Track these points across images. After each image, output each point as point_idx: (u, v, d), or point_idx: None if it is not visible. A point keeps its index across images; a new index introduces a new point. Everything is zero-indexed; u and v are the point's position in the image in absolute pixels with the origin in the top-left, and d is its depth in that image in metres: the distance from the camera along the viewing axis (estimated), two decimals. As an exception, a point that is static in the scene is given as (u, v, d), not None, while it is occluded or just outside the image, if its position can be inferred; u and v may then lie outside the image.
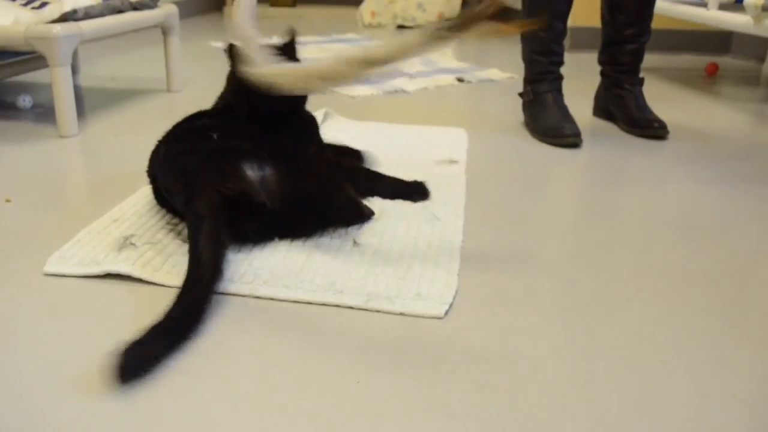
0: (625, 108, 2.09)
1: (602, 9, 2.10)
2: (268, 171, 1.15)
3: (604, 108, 2.20)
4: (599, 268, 1.18)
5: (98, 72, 2.79)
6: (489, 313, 1.02)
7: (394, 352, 0.92)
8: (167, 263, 1.12)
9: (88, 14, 1.91)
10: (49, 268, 1.11)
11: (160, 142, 1.31)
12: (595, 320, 1.01)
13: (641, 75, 2.12)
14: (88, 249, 1.17)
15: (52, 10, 1.83)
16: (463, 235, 1.29)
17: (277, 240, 1.22)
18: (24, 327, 0.96)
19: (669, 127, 2.00)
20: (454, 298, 1.05)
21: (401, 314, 1.01)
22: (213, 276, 1.01)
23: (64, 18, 1.82)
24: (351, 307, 1.02)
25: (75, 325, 0.97)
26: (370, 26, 4.48)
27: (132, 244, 1.18)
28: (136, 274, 1.09)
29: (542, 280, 1.13)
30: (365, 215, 1.31)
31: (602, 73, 2.18)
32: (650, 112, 2.06)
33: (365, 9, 4.51)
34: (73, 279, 1.09)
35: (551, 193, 1.56)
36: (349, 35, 3.99)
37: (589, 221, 1.38)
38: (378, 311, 1.01)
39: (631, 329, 0.99)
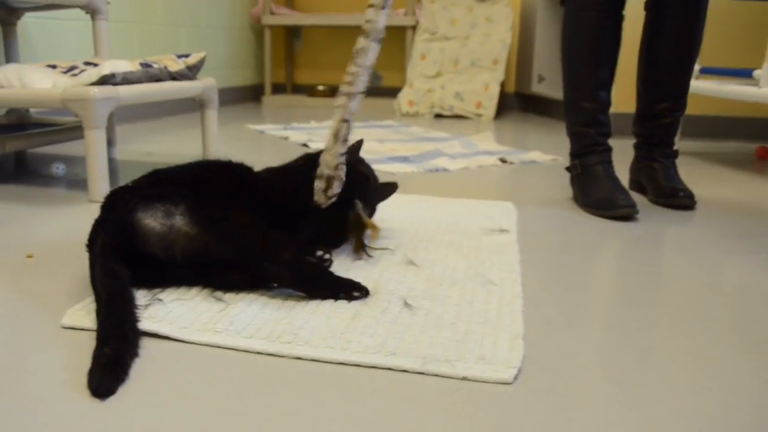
0: (654, 179, 1.99)
1: (637, 84, 2.03)
2: (179, 220, 1.11)
3: (637, 180, 2.10)
4: (677, 335, 1.04)
5: (135, 148, 2.76)
6: (559, 379, 0.89)
7: (454, 418, 0.79)
8: (198, 320, 1.01)
9: (127, 79, 1.87)
10: (67, 320, 1.00)
11: None
12: (676, 389, 0.87)
13: (675, 148, 2.03)
14: (112, 304, 1.06)
15: (91, 74, 1.79)
16: (523, 299, 1.16)
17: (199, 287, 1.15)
18: (32, 379, 0.84)
19: (723, 205, 1.87)
20: (521, 362, 0.92)
21: (464, 378, 0.88)
22: (118, 304, 0.98)
23: (103, 81, 1.78)
24: (405, 371, 0.90)
25: (83, 383, 0.85)
26: (407, 114, 4.47)
27: (159, 300, 1.08)
28: (163, 331, 0.97)
29: (614, 346, 1.00)
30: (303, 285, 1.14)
31: (635, 146, 2.09)
32: (679, 181, 1.95)
33: (403, 98, 4.50)
34: (91, 333, 0.98)
35: (609, 262, 1.43)
36: (388, 122, 3.96)
37: (656, 290, 1.25)
38: (436, 375, 0.89)
39: (712, 398, 0.85)
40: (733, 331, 1.07)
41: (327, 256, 1.26)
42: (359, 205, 1.38)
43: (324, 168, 1.31)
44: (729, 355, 0.98)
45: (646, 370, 0.93)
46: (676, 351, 0.99)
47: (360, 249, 1.37)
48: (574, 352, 0.97)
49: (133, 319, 0.98)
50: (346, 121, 1.31)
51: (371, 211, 1.48)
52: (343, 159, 1.32)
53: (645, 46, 1.98)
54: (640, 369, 0.93)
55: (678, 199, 1.90)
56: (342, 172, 1.32)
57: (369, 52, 1.31)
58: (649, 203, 1.97)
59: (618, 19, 1.86)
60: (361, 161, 1.50)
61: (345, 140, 1.32)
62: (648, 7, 1.96)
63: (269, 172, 1.42)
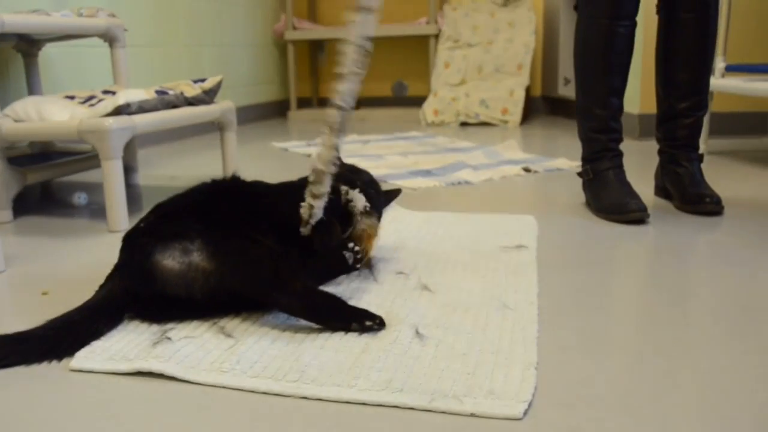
0: (679, 185, 1.95)
1: (656, 86, 2.00)
2: (196, 256, 1.12)
3: (662, 187, 2.06)
4: (699, 359, 1.00)
5: (158, 172, 2.78)
6: (572, 412, 0.86)
7: (463, 461, 0.76)
8: (206, 359, 1.00)
9: (142, 108, 1.87)
10: (76, 363, 1.00)
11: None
12: (697, 420, 0.84)
13: (701, 152, 1.99)
14: (121, 344, 1.06)
15: (107, 105, 1.80)
16: (539, 324, 1.13)
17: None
18: (36, 424, 0.84)
19: (753, 208, 1.82)
20: (533, 395, 0.89)
21: (472, 415, 0.85)
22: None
23: (118, 111, 1.79)
24: (412, 408, 0.88)
25: (90, 426, 0.84)
26: (433, 124, 4.45)
27: (168, 338, 1.07)
28: (169, 372, 0.97)
29: (630, 373, 0.96)
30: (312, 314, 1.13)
31: (659, 151, 2.05)
32: (706, 187, 1.91)
33: (428, 108, 4.48)
34: (99, 375, 0.98)
35: (631, 279, 1.40)
36: (413, 133, 3.94)
37: (676, 307, 1.21)
38: (444, 412, 0.86)
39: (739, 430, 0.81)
40: (762, 352, 1.03)
41: (357, 248, 1.31)
42: (348, 190, 1.37)
43: (316, 161, 1.24)
44: (757, 380, 0.94)
45: (665, 399, 0.89)
46: (698, 376, 0.96)
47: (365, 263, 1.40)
48: (588, 381, 0.94)
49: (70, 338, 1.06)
50: (340, 107, 1.24)
51: (378, 216, 1.45)
52: (338, 153, 1.26)
53: (660, 48, 1.96)
54: (659, 399, 0.90)
55: (704, 205, 1.86)
56: (334, 168, 1.25)
57: (359, 24, 1.21)
58: (675, 210, 1.93)
59: (630, 26, 1.84)
60: (354, 168, 1.52)
61: (340, 130, 1.25)
62: (659, 10, 1.94)
63: (268, 188, 1.40)
